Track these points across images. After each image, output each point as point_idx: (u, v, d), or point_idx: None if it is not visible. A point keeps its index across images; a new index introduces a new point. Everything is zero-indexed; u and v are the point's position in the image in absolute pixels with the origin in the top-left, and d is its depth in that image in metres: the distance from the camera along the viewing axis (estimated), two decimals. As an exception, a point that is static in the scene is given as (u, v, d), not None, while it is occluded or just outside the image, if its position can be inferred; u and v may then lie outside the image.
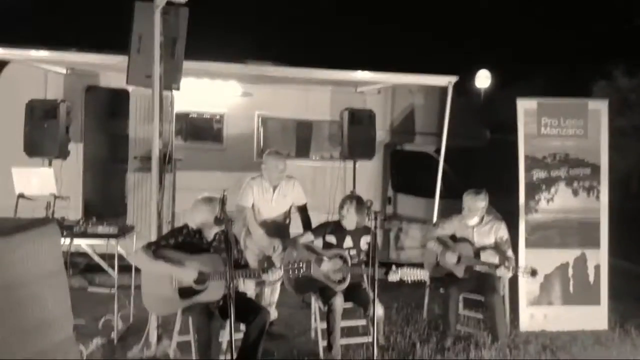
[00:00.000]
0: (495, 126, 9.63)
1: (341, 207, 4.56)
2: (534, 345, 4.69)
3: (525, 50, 18.67)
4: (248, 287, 4.53)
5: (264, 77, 6.48)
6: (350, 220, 4.48)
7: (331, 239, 4.54)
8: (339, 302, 4.24)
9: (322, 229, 4.60)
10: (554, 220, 5.31)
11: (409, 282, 4.16)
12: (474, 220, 4.85)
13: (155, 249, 3.73)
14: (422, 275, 4.14)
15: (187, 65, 4.75)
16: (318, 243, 4.56)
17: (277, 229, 4.86)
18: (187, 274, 3.68)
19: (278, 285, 4.97)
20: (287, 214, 4.97)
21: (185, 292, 3.72)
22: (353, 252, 4.47)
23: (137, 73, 4.48)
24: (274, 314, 4.99)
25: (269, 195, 4.85)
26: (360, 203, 4.45)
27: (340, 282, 4.37)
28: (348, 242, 4.51)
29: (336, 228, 4.56)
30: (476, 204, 4.80)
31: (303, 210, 4.95)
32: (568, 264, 5.27)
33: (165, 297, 3.72)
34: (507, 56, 17.73)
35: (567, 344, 4.74)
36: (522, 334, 4.97)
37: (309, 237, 4.56)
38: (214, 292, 3.73)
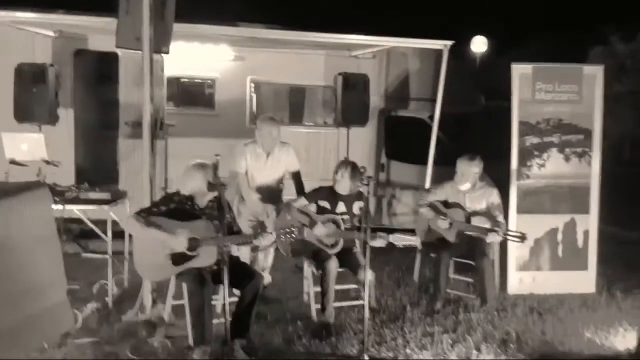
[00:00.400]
0: (490, 92, 9.57)
1: (335, 172, 4.56)
2: (522, 307, 4.78)
3: (522, 16, 18.41)
4: (242, 253, 4.57)
5: (256, 40, 6.37)
6: (344, 185, 4.49)
7: (324, 204, 4.55)
8: (333, 266, 4.29)
9: (315, 194, 4.61)
10: (545, 186, 5.34)
11: (400, 247, 4.21)
12: (466, 186, 4.87)
13: (147, 216, 3.72)
14: (413, 240, 4.19)
15: (177, 27, 4.66)
16: (311, 208, 4.58)
17: (270, 195, 4.87)
18: (178, 241, 3.69)
19: (272, 250, 5.00)
20: (281, 180, 4.97)
21: (177, 258, 3.74)
22: (346, 217, 4.50)
23: (126, 35, 4.39)
24: (267, 278, 5.02)
25: (263, 161, 4.83)
26: (354, 168, 4.45)
27: (333, 245, 4.41)
28: (341, 207, 4.53)
29: (329, 193, 4.57)
30: (470, 169, 4.82)
31: (296, 176, 4.95)
32: (558, 229, 5.33)
33: (158, 263, 3.74)
34: (504, 21, 17.50)
35: (554, 307, 4.83)
36: (511, 297, 5.07)
37: (302, 201, 4.58)
38: (206, 258, 3.75)
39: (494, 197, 4.89)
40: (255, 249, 4.76)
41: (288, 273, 5.69)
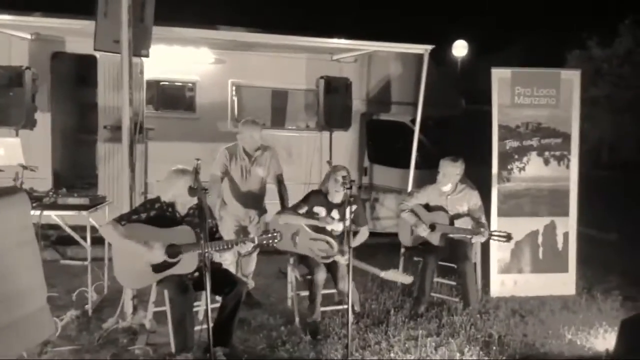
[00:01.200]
0: (471, 96, 9.68)
1: (327, 181, 4.51)
2: (504, 309, 4.82)
3: (502, 20, 18.68)
4: (226, 259, 4.51)
5: (237, 44, 6.34)
6: (339, 195, 4.47)
7: (319, 210, 4.52)
8: (321, 277, 4.31)
9: (311, 200, 4.55)
10: (525, 189, 5.40)
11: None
12: (448, 187, 4.89)
13: (126, 223, 3.66)
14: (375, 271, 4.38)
15: (157, 31, 4.60)
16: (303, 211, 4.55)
17: (252, 199, 4.83)
18: (154, 255, 3.62)
19: (254, 255, 4.97)
20: (263, 184, 4.94)
21: (158, 266, 3.69)
22: (340, 226, 4.48)
23: (104, 38, 4.32)
24: (250, 283, 5.01)
25: (245, 165, 4.79)
26: (348, 178, 4.39)
27: (323, 258, 4.40)
28: (335, 213, 4.51)
29: (324, 200, 4.54)
30: (452, 170, 4.84)
31: (279, 180, 4.92)
32: (538, 232, 5.39)
33: (138, 270, 3.68)
34: (485, 26, 17.72)
35: (536, 309, 4.88)
36: (493, 299, 5.11)
37: (303, 208, 4.52)
38: (187, 264, 3.70)
39: (475, 199, 4.92)
40: (238, 255, 4.71)
41: (271, 278, 5.66)
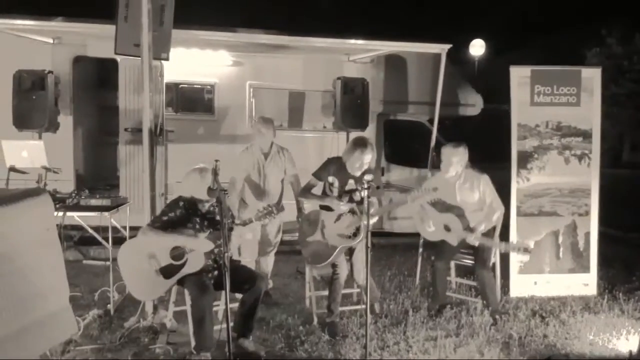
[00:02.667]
0: (489, 95, 9.59)
1: (351, 152, 4.33)
2: (524, 310, 4.78)
3: (520, 18, 18.47)
4: (245, 256, 4.57)
5: (255, 46, 6.39)
6: (359, 168, 4.32)
7: (333, 180, 4.42)
8: (343, 275, 4.33)
9: (324, 170, 4.47)
10: (545, 189, 5.34)
11: None
12: (452, 174, 4.73)
13: (160, 224, 3.76)
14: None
15: (176, 34, 4.67)
16: (320, 188, 4.51)
17: (270, 197, 4.88)
18: (202, 244, 3.75)
19: (272, 255, 5.02)
20: (281, 184, 4.98)
21: (167, 272, 3.76)
22: (356, 195, 4.30)
23: (125, 42, 4.40)
24: (268, 283, 5.07)
25: (262, 165, 4.85)
26: (370, 148, 4.30)
27: (355, 234, 4.29)
28: (351, 184, 4.38)
29: (339, 169, 4.41)
30: (452, 156, 4.70)
31: (296, 180, 4.96)
32: (558, 232, 5.33)
33: (150, 281, 3.75)
34: (503, 24, 17.55)
35: (556, 310, 4.83)
36: (512, 300, 5.06)
37: (314, 182, 4.49)
38: (194, 263, 3.77)
39: (484, 184, 4.71)
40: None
41: (289, 278, 5.69)
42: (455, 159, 4.73)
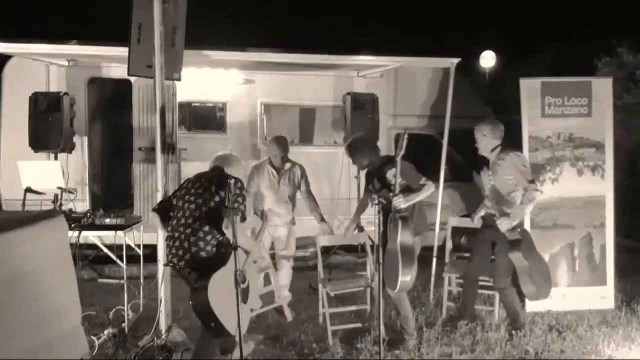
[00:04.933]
0: (500, 107, 9.55)
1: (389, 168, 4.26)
2: (540, 325, 4.71)
3: (529, 30, 18.44)
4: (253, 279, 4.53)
5: (265, 64, 6.46)
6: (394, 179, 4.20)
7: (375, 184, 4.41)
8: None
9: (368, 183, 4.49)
10: (559, 201, 5.30)
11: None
12: (484, 151, 4.61)
13: None
14: None
15: (188, 54, 4.75)
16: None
17: (281, 212, 4.94)
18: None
19: (289, 267, 5.10)
20: (293, 198, 5.05)
21: (243, 294, 3.51)
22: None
23: (138, 63, 4.48)
24: (287, 296, 5.13)
25: (274, 181, 4.91)
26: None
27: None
28: (376, 183, 4.40)
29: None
30: (479, 132, 4.61)
31: (308, 194, 5.02)
32: (574, 244, 5.27)
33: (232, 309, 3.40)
34: (512, 36, 17.53)
35: (573, 324, 4.76)
36: (528, 314, 4.99)
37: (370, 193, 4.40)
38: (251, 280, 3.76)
39: (519, 161, 4.45)
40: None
41: (303, 294, 5.67)
42: (483, 136, 4.60)
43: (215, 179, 3.76)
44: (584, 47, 15.29)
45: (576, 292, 5.21)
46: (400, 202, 4.07)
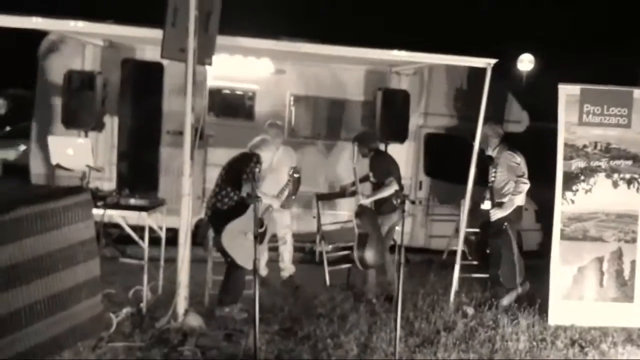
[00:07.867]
0: (536, 112, 9.30)
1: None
2: (562, 339, 4.58)
3: (571, 34, 17.97)
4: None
5: (297, 55, 6.40)
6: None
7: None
8: (372, 279, 5.23)
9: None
10: (591, 212, 5.13)
11: None
12: (489, 150, 5.41)
13: None
14: None
15: (221, 40, 4.72)
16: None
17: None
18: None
19: (290, 244, 5.68)
20: (287, 176, 5.28)
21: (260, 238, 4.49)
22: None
23: (171, 46, 4.48)
24: (291, 269, 5.72)
25: (269, 163, 5.24)
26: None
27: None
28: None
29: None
30: (484, 132, 5.37)
31: (296, 174, 5.24)
32: (603, 258, 5.10)
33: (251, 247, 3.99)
34: (553, 40, 17.11)
35: (597, 340, 4.61)
36: (551, 327, 4.86)
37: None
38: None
39: (510, 159, 5.23)
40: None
41: (318, 288, 5.63)
42: (487, 135, 5.44)
43: (240, 155, 4.91)
44: (627, 56, 14.81)
45: (602, 308, 5.04)
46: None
